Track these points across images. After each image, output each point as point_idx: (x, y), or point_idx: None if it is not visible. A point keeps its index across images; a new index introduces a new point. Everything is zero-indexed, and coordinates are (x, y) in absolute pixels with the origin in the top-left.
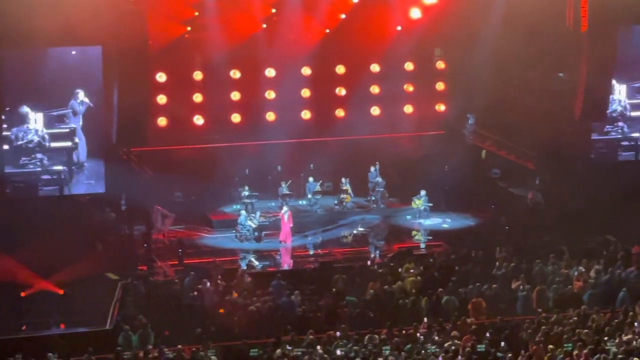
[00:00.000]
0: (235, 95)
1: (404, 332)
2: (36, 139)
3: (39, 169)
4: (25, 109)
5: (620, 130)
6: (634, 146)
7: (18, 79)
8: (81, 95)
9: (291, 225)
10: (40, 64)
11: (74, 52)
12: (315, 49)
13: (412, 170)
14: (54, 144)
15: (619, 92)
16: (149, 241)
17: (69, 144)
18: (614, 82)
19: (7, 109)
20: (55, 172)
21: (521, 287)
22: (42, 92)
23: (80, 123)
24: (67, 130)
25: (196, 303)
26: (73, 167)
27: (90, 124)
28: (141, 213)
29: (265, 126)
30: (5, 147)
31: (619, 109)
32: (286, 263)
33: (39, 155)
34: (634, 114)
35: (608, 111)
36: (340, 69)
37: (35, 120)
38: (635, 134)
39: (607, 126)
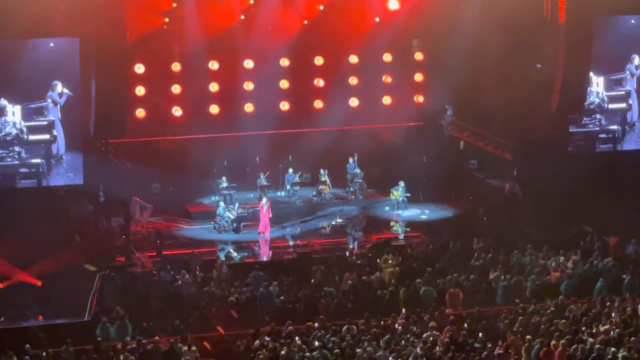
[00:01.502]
0: (214, 87)
1: (382, 322)
2: (14, 131)
3: (16, 162)
4: (3, 101)
5: (597, 123)
6: (611, 138)
7: None
8: (59, 86)
9: (270, 216)
10: (18, 56)
11: (52, 44)
12: (293, 41)
13: (391, 161)
14: (32, 137)
15: (597, 85)
16: (127, 233)
17: (47, 136)
18: (591, 74)
19: None
20: (33, 165)
21: (502, 277)
22: (19, 84)
23: (59, 115)
24: (46, 122)
25: (174, 294)
26: (52, 160)
27: (69, 116)
28: (119, 204)
29: (244, 117)
30: None
31: (597, 101)
32: (265, 254)
33: (16, 148)
34: (611, 106)
35: (585, 103)
36: (318, 60)
37: (13, 113)
38: (613, 127)
39: (585, 118)
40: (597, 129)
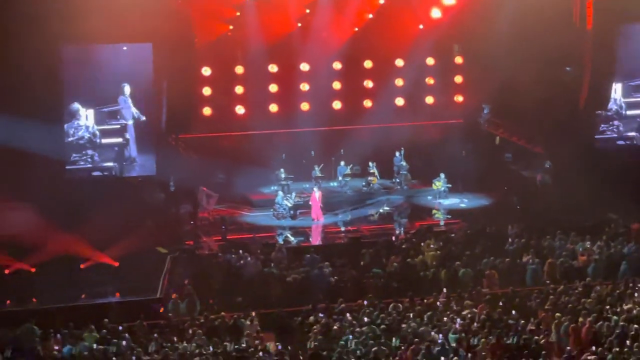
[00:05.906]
0: (273, 87)
1: (425, 301)
2: (87, 135)
3: (89, 166)
4: (76, 105)
5: (615, 130)
6: (629, 146)
7: (71, 76)
8: (128, 89)
9: (320, 204)
10: (93, 60)
11: (125, 48)
12: (345, 46)
13: (433, 155)
14: (105, 140)
15: (615, 91)
16: (195, 219)
17: (120, 140)
18: None
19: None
20: (106, 169)
21: (531, 260)
22: (93, 88)
23: (133, 117)
24: (118, 126)
25: (238, 274)
26: (124, 163)
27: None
28: (188, 193)
29: (300, 115)
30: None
31: (615, 107)
32: (319, 239)
33: (89, 152)
34: (629, 112)
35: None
36: (367, 64)
37: (87, 117)
38: (631, 133)
39: (603, 125)
40: (614, 135)
